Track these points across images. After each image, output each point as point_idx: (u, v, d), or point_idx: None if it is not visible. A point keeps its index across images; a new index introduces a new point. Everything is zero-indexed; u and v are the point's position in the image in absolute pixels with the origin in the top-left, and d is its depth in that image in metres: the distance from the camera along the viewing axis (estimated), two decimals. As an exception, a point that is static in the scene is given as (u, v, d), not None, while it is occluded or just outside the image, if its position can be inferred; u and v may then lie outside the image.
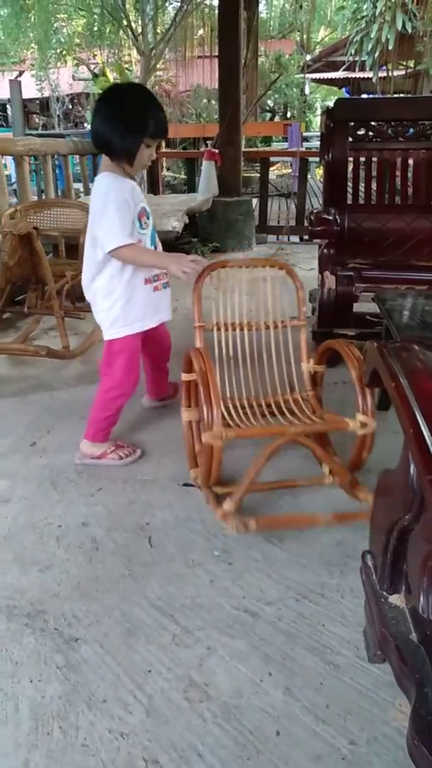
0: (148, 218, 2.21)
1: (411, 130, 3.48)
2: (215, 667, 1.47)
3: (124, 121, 2.01)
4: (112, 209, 2.03)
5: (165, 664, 1.49)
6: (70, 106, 17.38)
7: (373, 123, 3.46)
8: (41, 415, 2.77)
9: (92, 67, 16.02)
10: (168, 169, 10.34)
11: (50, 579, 1.77)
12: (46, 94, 17.00)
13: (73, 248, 3.64)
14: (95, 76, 15.62)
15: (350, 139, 3.47)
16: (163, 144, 8.44)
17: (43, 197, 5.75)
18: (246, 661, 1.49)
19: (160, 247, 2.35)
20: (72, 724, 1.34)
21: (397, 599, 1.32)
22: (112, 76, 14.72)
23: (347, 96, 16.05)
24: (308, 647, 1.52)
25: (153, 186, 6.72)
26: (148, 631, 1.58)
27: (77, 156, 6.43)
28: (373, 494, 1.38)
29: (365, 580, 1.43)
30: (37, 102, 17.70)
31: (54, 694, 1.41)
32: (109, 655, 1.51)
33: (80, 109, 17.10)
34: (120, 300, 2.19)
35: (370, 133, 3.48)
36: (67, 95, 17.24)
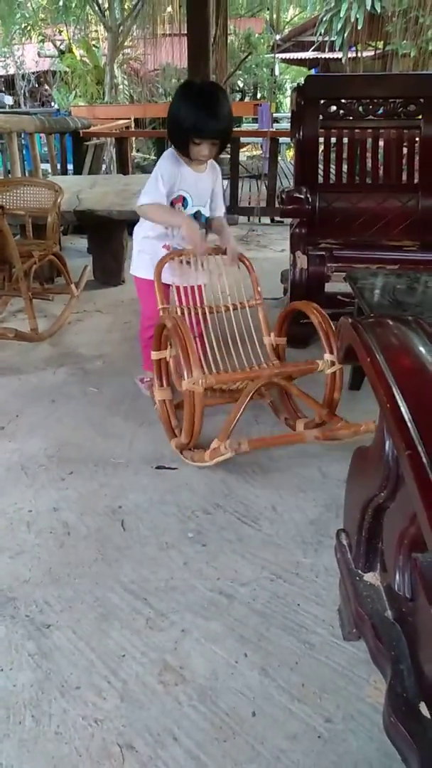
0: (184, 207, 2.37)
1: (381, 108, 3.45)
2: (190, 650, 1.46)
3: (173, 120, 2.26)
4: (153, 177, 2.31)
5: (139, 648, 1.47)
6: (37, 84, 16.94)
7: (343, 101, 3.42)
8: (9, 399, 2.70)
9: (58, 43, 15.63)
10: (138, 150, 10.17)
11: (21, 565, 1.73)
12: (11, 71, 16.56)
13: (41, 228, 3.55)
14: (62, 53, 15.26)
15: (321, 117, 3.43)
16: (132, 124, 8.30)
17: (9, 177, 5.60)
18: (221, 643, 1.47)
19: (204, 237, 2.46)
20: (44, 712, 1.31)
21: (372, 577, 1.31)
22: (78, 53, 14.39)
23: (317, 76, 15.92)
24: (283, 627, 1.52)
25: (122, 166, 6.60)
26: (121, 615, 1.56)
27: (44, 135, 6.28)
28: (348, 471, 1.37)
29: (340, 558, 1.42)
30: (2, 80, 17.22)
31: (26, 682, 1.38)
32: (82, 641, 1.49)
33: (47, 87, 16.69)
34: (140, 249, 2.48)
35: (341, 111, 3.43)
36: (33, 73, 16.79)
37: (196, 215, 2.41)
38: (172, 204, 2.35)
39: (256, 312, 2.44)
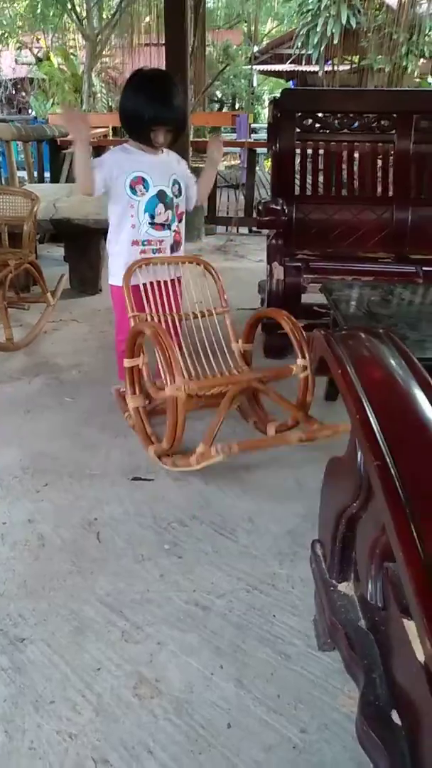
0: (146, 189, 2.37)
1: (356, 123, 3.51)
2: (166, 662, 1.45)
3: (130, 110, 2.30)
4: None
5: (114, 661, 1.46)
6: (14, 91, 16.86)
7: (319, 114, 3.47)
8: (-16, 409, 2.68)
9: (36, 51, 15.59)
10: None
11: (-6, 578, 1.72)
12: (-12, 78, 16.47)
13: (16, 237, 3.53)
14: (39, 60, 15.22)
15: (297, 129, 3.47)
16: (110, 132, 8.30)
17: (-15, 185, 5.56)
18: (197, 655, 1.47)
19: (177, 225, 2.49)
20: (18, 727, 1.30)
21: (346, 587, 1.33)
22: (56, 61, 14.37)
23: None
24: (259, 638, 1.52)
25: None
26: (96, 628, 1.55)
27: (21, 143, 6.25)
28: (322, 482, 1.38)
29: (315, 569, 1.44)
30: (-22, 87, 17.11)
31: (-1, 698, 1.36)
32: (56, 655, 1.47)
33: (24, 94, 16.62)
34: (112, 253, 2.50)
35: (317, 124, 3.48)
36: (10, 80, 16.71)
37: (160, 194, 2.40)
38: (132, 186, 2.35)
39: (223, 319, 2.47)
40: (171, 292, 2.44)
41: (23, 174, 6.41)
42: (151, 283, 2.37)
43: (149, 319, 2.32)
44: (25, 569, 1.75)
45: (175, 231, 2.48)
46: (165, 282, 2.43)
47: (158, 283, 2.40)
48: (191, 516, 1.98)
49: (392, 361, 1.08)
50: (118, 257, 2.46)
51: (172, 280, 2.48)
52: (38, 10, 14.36)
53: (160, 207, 2.40)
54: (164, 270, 2.44)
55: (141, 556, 1.81)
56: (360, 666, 1.15)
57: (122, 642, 1.51)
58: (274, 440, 2.18)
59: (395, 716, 1.03)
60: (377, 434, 0.88)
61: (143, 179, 2.36)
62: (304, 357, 2.16)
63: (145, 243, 2.42)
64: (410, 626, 0.97)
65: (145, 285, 2.35)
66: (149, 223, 2.40)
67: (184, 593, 1.66)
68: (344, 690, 1.37)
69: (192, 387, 2.02)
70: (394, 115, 3.43)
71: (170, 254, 2.48)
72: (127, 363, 2.29)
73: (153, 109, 2.24)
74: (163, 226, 2.43)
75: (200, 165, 2.61)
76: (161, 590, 1.68)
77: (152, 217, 2.40)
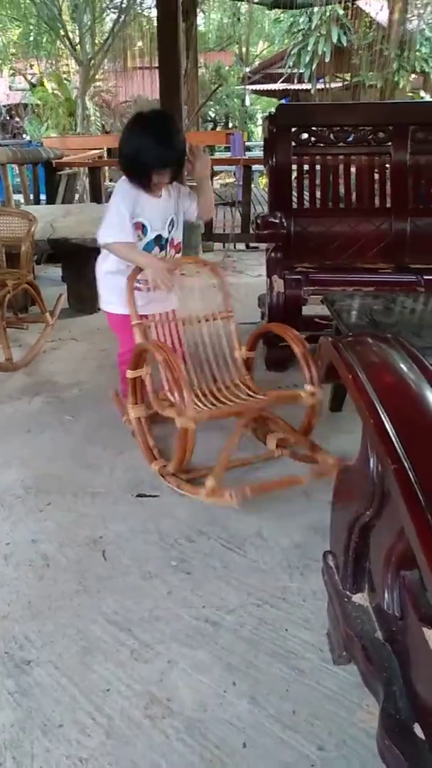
0: (144, 234, 2.36)
1: (351, 136, 3.53)
2: (177, 681, 1.42)
3: (132, 155, 2.25)
4: (115, 210, 2.29)
5: (124, 681, 1.42)
6: (8, 117, 17.05)
7: (314, 128, 3.49)
8: (-15, 429, 2.65)
9: (29, 77, 15.79)
10: (111, 179, 10.25)
11: (-1, 599, 1.68)
12: (-18, 105, 16.69)
13: (14, 257, 3.54)
14: (33, 86, 15.41)
15: (293, 143, 3.49)
16: (105, 153, 8.36)
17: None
18: (208, 673, 1.43)
19: (173, 257, 2.48)
20: (26, 752, 1.26)
21: (360, 598, 1.29)
22: (50, 86, 14.56)
23: (287, 106, 16.34)
24: (272, 653, 1.48)
25: (96, 196, 6.63)
26: (105, 648, 1.51)
27: (16, 166, 6.30)
28: (332, 491, 1.35)
29: (327, 580, 1.40)
30: (-27, 113, 17.30)
31: (6, 722, 1.32)
32: (64, 677, 1.44)
33: (18, 119, 16.80)
34: (104, 285, 2.48)
35: (313, 138, 3.50)
36: (4, 106, 16.92)
37: (157, 238, 2.39)
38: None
39: (227, 324, 2.43)
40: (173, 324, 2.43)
41: (19, 197, 6.45)
42: (153, 316, 2.37)
43: (153, 326, 2.32)
44: (30, 590, 1.71)
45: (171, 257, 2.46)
46: (161, 315, 2.41)
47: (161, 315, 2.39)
48: (198, 531, 1.95)
49: (403, 365, 1.06)
50: (110, 289, 2.44)
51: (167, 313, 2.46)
52: (31, 37, 14.60)
53: (156, 250, 2.40)
54: (164, 301, 2.40)
55: (148, 573, 1.77)
56: (378, 678, 1.12)
57: (131, 661, 1.47)
58: (288, 481, 2.11)
59: (418, 730, 0.99)
60: (392, 438, 0.86)
61: (143, 225, 2.35)
62: (312, 384, 2.12)
63: (138, 281, 2.38)
64: (431, 635, 0.95)
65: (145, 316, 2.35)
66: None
67: (194, 609, 1.63)
68: (362, 704, 1.33)
69: (202, 416, 2.00)
70: (390, 127, 3.45)
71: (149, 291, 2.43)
72: (130, 374, 2.27)
73: (154, 153, 2.21)
74: None
75: (195, 183, 2.58)
76: (170, 607, 1.64)
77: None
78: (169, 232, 2.43)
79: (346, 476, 1.30)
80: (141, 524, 1.99)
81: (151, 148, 2.20)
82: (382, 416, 0.90)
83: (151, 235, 2.38)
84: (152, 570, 1.78)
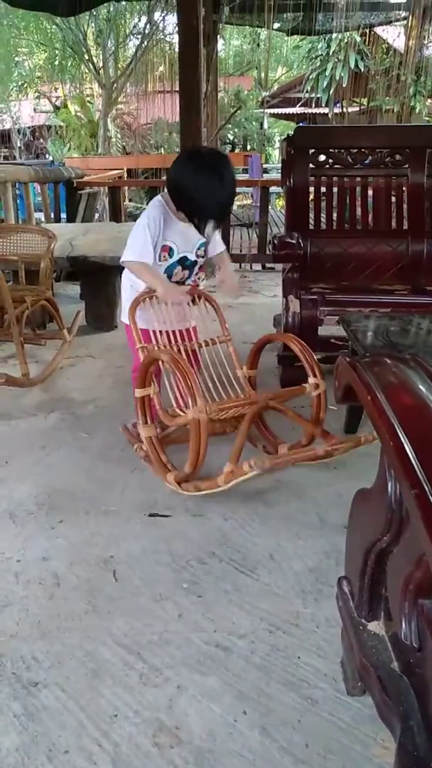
0: (170, 256, 2.38)
1: (369, 158, 3.54)
2: (186, 708, 1.38)
3: (185, 192, 2.23)
4: (141, 230, 2.29)
5: (132, 706, 1.39)
6: (32, 138, 17.39)
7: (332, 150, 3.50)
8: (-1, 445, 2.65)
9: (54, 99, 16.12)
10: (130, 199, 10.37)
11: (7, 618, 1.66)
12: (8, 126, 17.01)
13: (33, 274, 3.56)
14: (57, 108, 15.73)
15: (311, 165, 3.50)
16: (125, 174, 8.48)
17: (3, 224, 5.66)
18: (219, 700, 1.40)
19: (194, 279, 2.50)
20: (30, 778, 1.23)
21: (376, 626, 1.26)
22: (73, 109, 14.85)
23: (305, 129, 16.51)
24: (284, 682, 1.44)
25: (115, 215, 6.70)
26: (113, 671, 1.48)
27: (38, 185, 6.39)
28: (348, 515, 1.32)
29: (342, 607, 1.37)
30: (-1, 134, 17.67)
31: (11, 746, 1.29)
32: (71, 700, 1.41)
33: (42, 140, 17.13)
34: (127, 298, 2.47)
35: (330, 160, 3.51)
36: (29, 127, 17.26)
37: (182, 259, 2.41)
38: (159, 253, 2.35)
39: (227, 347, 2.51)
40: (192, 335, 2.48)
41: (40, 215, 6.54)
42: (170, 333, 2.41)
43: (156, 348, 2.34)
44: (39, 609, 1.69)
45: (189, 285, 2.48)
46: (180, 331, 2.45)
47: (174, 332, 2.42)
48: (210, 553, 1.92)
49: (422, 386, 1.03)
50: (129, 299, 2.46)
51: (194, 328, 2.52)
52: (57, 62, 14.92)
53: (178, 269, 2.43)
54: (183, 319, 2.44)
55: (159, 595, 1.74)
56: (395, 712, 1.08)
57: (140, 686, 1.44)
58: (305, 452, 2.13)
59: (437, 768, 0.95)
60: (413, 461, 0.83)
61: (170, 248, 2.37)
62: (315, 375, 2.23)
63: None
64: (451, 668, 0.91)
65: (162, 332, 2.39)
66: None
67: (204, 634, 1.59)
68: (377, 739, 1.28)
69: (213, 408, 2.06)
70: (407, 150, 3.45)
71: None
72: (138, 393, 2.28)
73: (213, 207, 2.22)
74: (178, 282, 2.45)
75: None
76: (180, 631, 1.61)
77: (169, 277, 2.42)
78: (198, 256, 2.45)
79: (363, 500, 1.27)
80: (153, 544, 1.96)
81: (208, 199, 2.19)
82: (402, 439, 0.87)
83: (176, 257, 2.40)
84: (163, 592, 1.75)
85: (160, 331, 2.39)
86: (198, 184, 2.20)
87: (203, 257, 2.47)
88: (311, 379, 2.24)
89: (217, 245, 2.52)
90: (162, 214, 2.31)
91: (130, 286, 2.48)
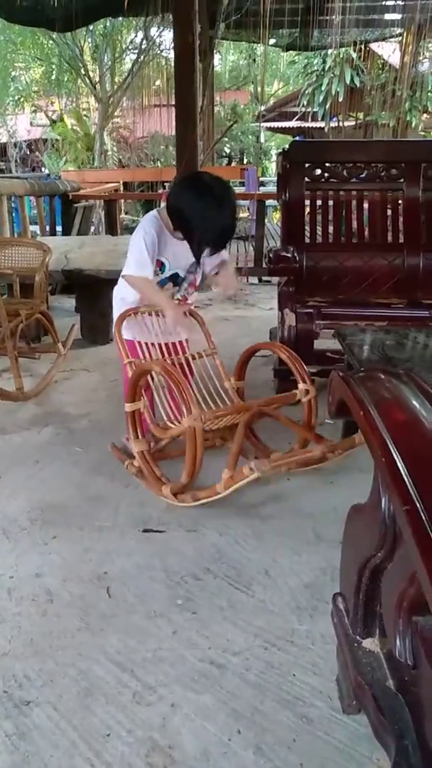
0: (162, 271, 2.39)
1: (364, 172, 3.56)
2: (180, 727, 1.36)
3: (188, 219, 2.22)
4: (137, 245, 2.29)
5: (125, 725, 1.37)
6: (28, 152, 17.48)
7: (327, 164, 3.53)
8: (-7, 459, 2.63)
9: (50, 113, 16.23)
10: (126, 212, 10.42)
11: (0, 636, 1.64)
12: (4, 139, 17.10)
13: (28, 287, 3.56)
14: (53, 122, 15.84)
15: (306, 179, 3.52)
16: (121, 187, 8.52)
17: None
18: (213, 719, 1.38)
19: (184, 294, 2.51)
20: (21, 800, 1.21)
21: (371, 643, 1.24)
22: (69, 122, 14.95)
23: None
24: (279, 700, 1.43)
25: (111, 228, 6.72)
26: (106, 689, 1.47)
27: (34, 198, 6.41)
28: (343, 531, 1.32)
29: (337, 624, 1.35)
30: (-5, 147, 17.75)
31: (2, 767, 1.27)
32: (63, 719, 1.39)
33: (38, 154, 17.23)
34: (116, 307, 2.49)
35: (326, 174, 3.53)
36: (25, 141, 17.35)
37: (173, 276, 2.42)
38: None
39: (213, 360, 2.55)
40: (181, 348, 2.50)
41: (35, 228, 6.55)
42: (161, 345, 2.43)
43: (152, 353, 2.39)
44: (32, 626, 1.67)
45: (178, 299, 2.47)
46: (173, 344, 2.48)
47: (166, 344, 2.45)
48: (204, 569, 1.90)
49: (415, 402, 1.03)
50: (119, 312, 2.45)
51: (181, 342, 2.52)
52: (53, 76, 15.05)
53: (169, 285, 2.43)
54: (173, 332, 2.44)
55: (153, 611, 1.72)
56: (390, 731, 1.07)
57: (133, 704, 1.42)
58: (302, 455, 2.14)
59: (432, 790, 0.94)
60: (405, 477, 0.83)
61: (162, 263, 2.38)
62: (304, 382, 2.28)
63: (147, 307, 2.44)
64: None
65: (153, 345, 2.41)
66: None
67: (199, 651, 1.58)
68: (372, 758, 1.27)
69: (208, 416, 2.08)
70: (403, 165, 3.48)
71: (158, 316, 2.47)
72: (128, 407, 2.28)
73: (216, 235, 2.23)
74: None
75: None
76: (174, 648, 1.59)
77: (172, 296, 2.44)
78: (190, 273, 2.45)
79: (357, 516, 1.26)
80: (147, 560, 1.95)
81: (211, 229, 2.20)
82: (394, 455, 0.87)
83: (167, 273, 2.40)
84: (157, 609, 1.74)
85: (152, 344, 2.41)
86: (203, 215, 2.19)
87: (193, 273, 2.47)
88: (301, 386, 2.27)
89: (222, 253, 2.50)
90: (156, 230, 2.31)
91: (121, 299, 2.48)
